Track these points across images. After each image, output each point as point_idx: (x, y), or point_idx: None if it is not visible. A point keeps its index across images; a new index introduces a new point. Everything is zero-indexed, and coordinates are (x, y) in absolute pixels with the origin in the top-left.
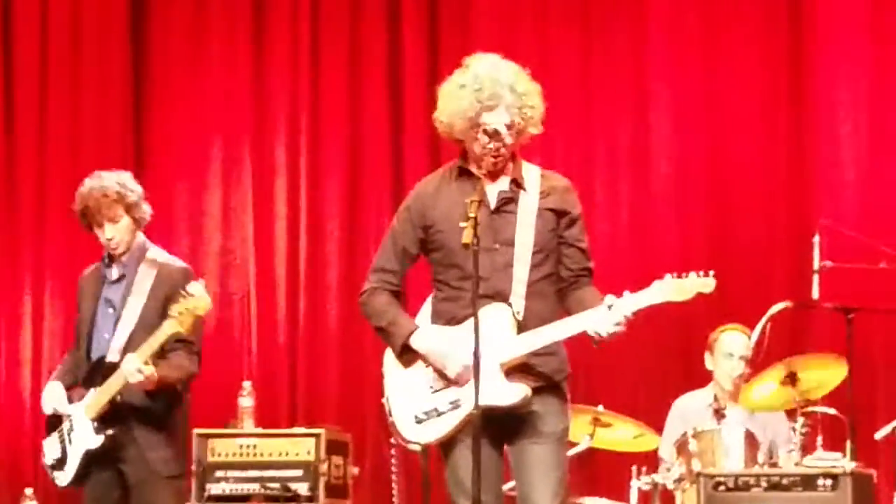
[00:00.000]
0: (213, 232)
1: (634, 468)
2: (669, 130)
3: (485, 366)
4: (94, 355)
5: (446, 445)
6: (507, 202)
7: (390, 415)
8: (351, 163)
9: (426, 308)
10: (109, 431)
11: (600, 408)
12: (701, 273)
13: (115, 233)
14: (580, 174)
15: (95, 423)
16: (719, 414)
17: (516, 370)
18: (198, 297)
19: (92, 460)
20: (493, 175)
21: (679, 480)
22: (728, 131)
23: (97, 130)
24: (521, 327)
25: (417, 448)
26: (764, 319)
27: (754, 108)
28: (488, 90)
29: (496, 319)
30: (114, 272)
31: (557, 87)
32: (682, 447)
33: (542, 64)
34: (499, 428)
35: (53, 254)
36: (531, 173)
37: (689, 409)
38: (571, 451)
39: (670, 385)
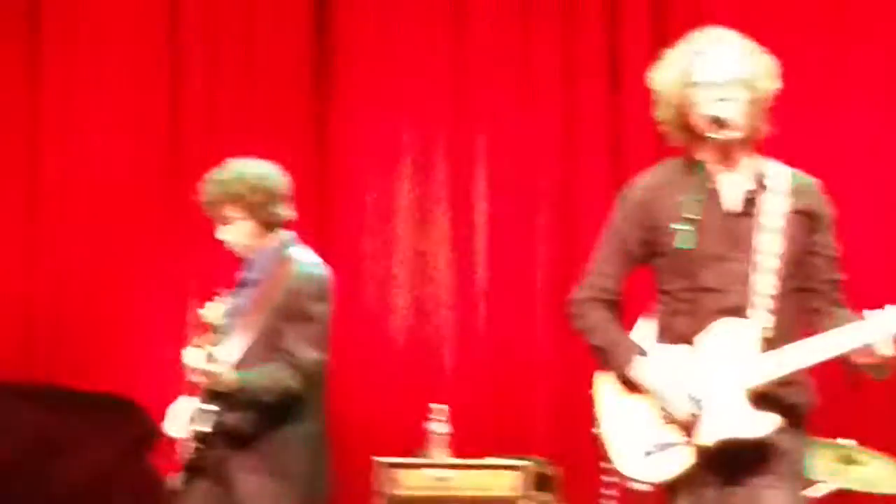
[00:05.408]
0: (406, 232)
1: None
2: None
3: (726, 392)
4: None
5: (672, 488)
6: (750, 203)
7: (607, 448)
8: (563, 155)
9: (641, 325)
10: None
11: (851, 443)
12: None
13: (227, 236)
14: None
15: None
16: None
17: (757, 399)
18: None
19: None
20: (731, 167)
21: None
22: None
23: (273, 116)
24: (768, 348)
25: (644, 488)
26: None
27: None
28: (701, 42)
29: (737, 337)
30: (245, 274)
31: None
32: None
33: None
34: (729, 467)
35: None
36: (775, 169)
37: None
38: (814, 493)
39: None
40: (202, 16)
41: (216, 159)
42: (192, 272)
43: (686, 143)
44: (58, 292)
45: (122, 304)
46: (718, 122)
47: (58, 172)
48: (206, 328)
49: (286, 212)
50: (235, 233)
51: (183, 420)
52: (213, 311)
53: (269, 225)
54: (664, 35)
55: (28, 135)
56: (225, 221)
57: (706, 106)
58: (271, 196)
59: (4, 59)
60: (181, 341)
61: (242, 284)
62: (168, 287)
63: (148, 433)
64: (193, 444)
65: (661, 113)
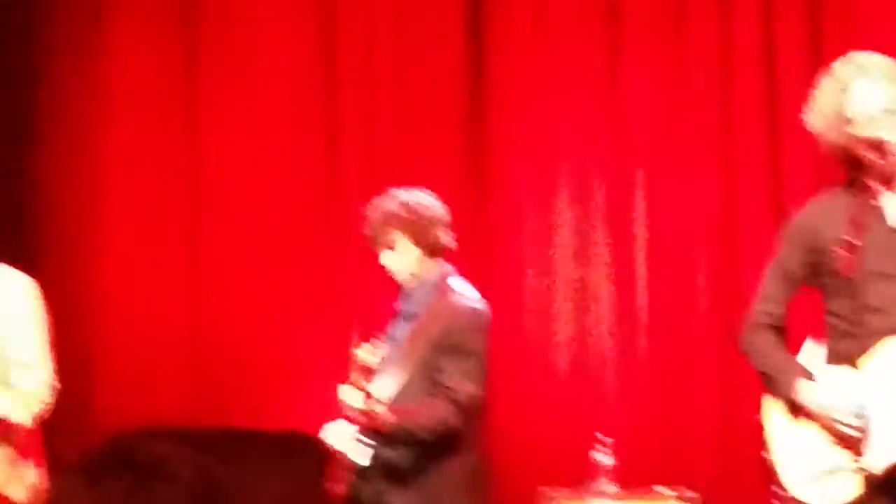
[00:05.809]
0: (565, 262)
1: None
2: None
3: (892, 413)
4: None
5: None
6: None
7: (777, 473)
8: (722, 182)
9: (808, 347)
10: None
11: None
12: None
13: (390, 261)
14: None
15: None
16: None
17: None
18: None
19: None
20: (894, 187)
21: None
22: None
23: (430, 149)
24: None
25: None
26: None
27: None
28: (845, 77)
29: None
30: (404, 306)
31: None
32: None
33: None
34: None
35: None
36: None
37: None
38: None
39: None
40: (357, 45)
41: (374, 193)
42: (354, 304)
43: (848, 170)
44: (221, 334)
45: (286, 342)
46: (879, 151)
47: (218, 211)
48: (364, 368)
49: (448, 239)
50: (400, 258)
51: (342, 437)
52: (370, 352)
53: (433, 250)
54: (819, 42)
55: (189, 164)
56: (390, 246)
57: (865, 139)
58: (435, 221)
59: (161, 75)
60: (344, 374)
61: (401, 316)
62: (331, 321)
63: (324, 465)
64: (351, 478)
65: (823, 150)
